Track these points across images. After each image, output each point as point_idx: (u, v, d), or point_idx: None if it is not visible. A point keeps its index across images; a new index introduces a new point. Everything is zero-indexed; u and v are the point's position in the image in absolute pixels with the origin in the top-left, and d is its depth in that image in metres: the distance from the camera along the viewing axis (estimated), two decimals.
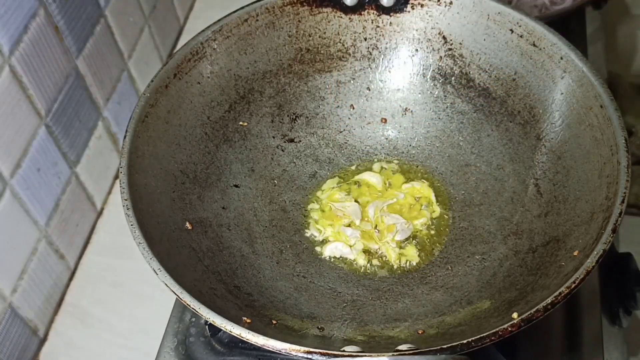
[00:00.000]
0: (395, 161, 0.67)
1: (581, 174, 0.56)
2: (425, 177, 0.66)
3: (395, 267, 0.60)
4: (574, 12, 0.80)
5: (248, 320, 0.49)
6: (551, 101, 0.61)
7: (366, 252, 0.61)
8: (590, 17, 0.86)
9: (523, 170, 0.62)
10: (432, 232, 0.62)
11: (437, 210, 0.63)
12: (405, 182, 0.65)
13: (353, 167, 0.67)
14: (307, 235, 0.63)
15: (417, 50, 0.67)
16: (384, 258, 0.61)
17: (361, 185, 0.66)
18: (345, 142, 0.69)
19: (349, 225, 0.63)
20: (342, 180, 0.66)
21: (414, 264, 0.60)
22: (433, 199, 0.64)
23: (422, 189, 0.64)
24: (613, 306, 0.63)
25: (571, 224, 0.54)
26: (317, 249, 0.62)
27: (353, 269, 0.61)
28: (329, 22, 0.67)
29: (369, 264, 0.61)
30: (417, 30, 0.67)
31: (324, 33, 0.67)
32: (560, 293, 0.45)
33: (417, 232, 0.62)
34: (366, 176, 0.66)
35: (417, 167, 0.67)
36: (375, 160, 0.68)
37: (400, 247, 0.61)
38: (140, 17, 0.83)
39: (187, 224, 0.57)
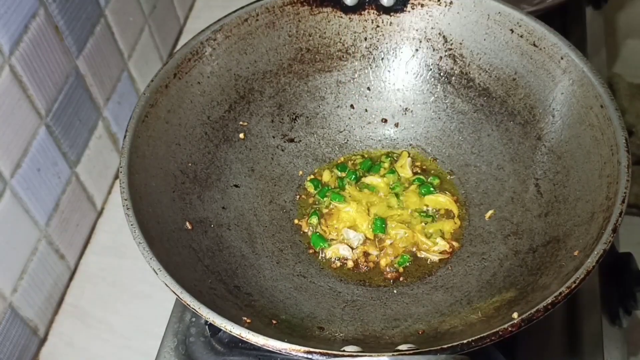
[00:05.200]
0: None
1: (581, 174, 0.56)
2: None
3: (390, 274, 0.60)
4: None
5: (248, 320, 0.49)
6: (551, 101, 0.60)
7: (367, 254, 0.61)
8: (590, 17, 0.86)
9: (523, 170, 0.62)
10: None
11: (458, 222, 0.62)
12: (429, 193, 0.64)
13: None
14: (308, 235, 0.63)
15: (417, 50, 0.67)
16: (382, 262, 0.61)
17: (365, 188, 0.65)
18: (345, 142, 0.69)
19: (351, 227, 0.63)
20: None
21: (414, 268, 0.60)
22: (456, 211, 0.63)
23: (446, 203, 0.63)
24: (613, 306, 0.63)
25: (571, 224, 0.54)
26: (318, 249, 0.62)
27: (353, 270, 0.61)
28: (329, 22, 0.67)
29: (369, 266, 0.61)
30: (417, 30, 0.67)
31: (324, 33, 0.67)
32: (560, 293, 0.45)
33: (416, 240, 0.62)
34: (371, 180, 0.66)
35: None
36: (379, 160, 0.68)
37: (399, 255, 0.61)
38: (140, 17, 0.83)
39: (187, 224, 0.57)
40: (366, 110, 0.69)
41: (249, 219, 0.62)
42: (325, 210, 0.64)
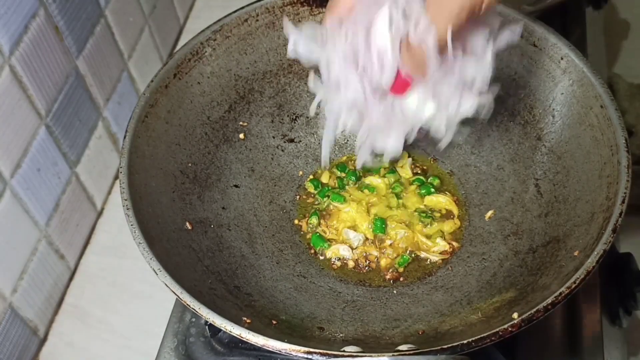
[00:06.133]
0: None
1: (581, 174, 0.56)
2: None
3: (390, 274, 0.60)
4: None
5: (248, 321, 0.49)
6: (551, 101, 0.61)
7: (367, 254, 0.61)
8: (590, 17, 0.86)
9: (523, 170, 0.62)
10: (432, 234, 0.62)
11: (458, 222, 0.62)
12: (429, 193, 0.64)
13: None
14: (308, 235, 0.63)
15: None
16: (382, 263, 0.61)
17: (365, 188, 0.65)
18: (345, 142, 0.69)
19: (351, 228, 0.63)
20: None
21: (414, 268, 0.60)
22: (456, 212, 0.63)
23: (446, 203, 0.63)
24: (613, 306, 0.63)
25: (571, 224, 0.54)
26: (318, 249, 0.62)
27: (353, 270, 0.61)
28: None
29: (369, 266, 0.61)
30: None
31: None
32: (560, 293, 0.45)
33: (416, 240, 0.62)
34: (372, 180, 0.66)
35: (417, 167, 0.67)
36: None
37: (399, 255, 0.61)
38: (140, 17, 0.83)
39: (187, 224, 0.57)
40: None
41: (249, 219, 0.62)
42: (325, 211, 0.64)
